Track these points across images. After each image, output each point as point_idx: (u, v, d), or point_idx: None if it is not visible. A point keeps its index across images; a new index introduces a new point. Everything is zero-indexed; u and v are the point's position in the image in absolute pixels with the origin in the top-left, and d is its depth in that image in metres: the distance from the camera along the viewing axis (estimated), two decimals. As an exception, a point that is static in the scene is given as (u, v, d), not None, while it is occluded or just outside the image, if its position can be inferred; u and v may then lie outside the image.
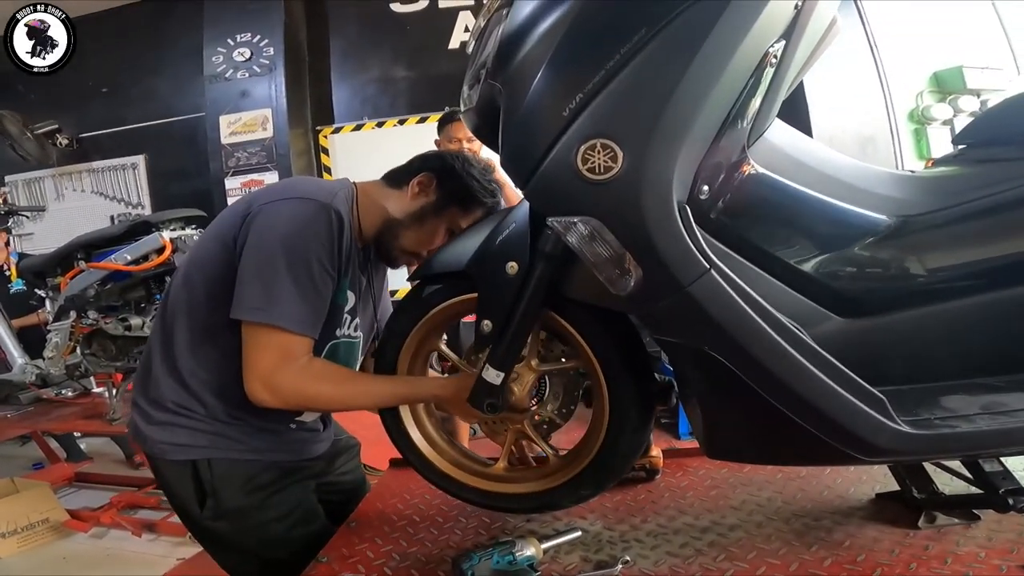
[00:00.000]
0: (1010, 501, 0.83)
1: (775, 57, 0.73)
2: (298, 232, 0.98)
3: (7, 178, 4.49)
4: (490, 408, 0.93)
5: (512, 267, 0.86)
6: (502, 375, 0.90)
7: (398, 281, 1.35)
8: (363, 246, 1.14)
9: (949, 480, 0.98)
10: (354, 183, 1.13)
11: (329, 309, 1.03)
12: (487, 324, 0.90)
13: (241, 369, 0.98)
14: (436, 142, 2.31)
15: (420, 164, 1.14)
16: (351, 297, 1.11)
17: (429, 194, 1.11)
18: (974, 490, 0.90)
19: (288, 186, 1.10)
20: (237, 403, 1.02)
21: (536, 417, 1.03)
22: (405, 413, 1.09)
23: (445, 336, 1.12)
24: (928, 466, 0.99)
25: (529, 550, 0.91)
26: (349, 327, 1.14)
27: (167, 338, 1.08)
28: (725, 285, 0.69)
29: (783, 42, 0.73)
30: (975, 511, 0.91)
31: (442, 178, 1.10)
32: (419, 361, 1.08)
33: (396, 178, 1.15)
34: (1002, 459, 0.89)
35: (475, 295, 0.93)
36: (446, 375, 1.11)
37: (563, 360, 1.00)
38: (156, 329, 1.12)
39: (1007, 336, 0.77)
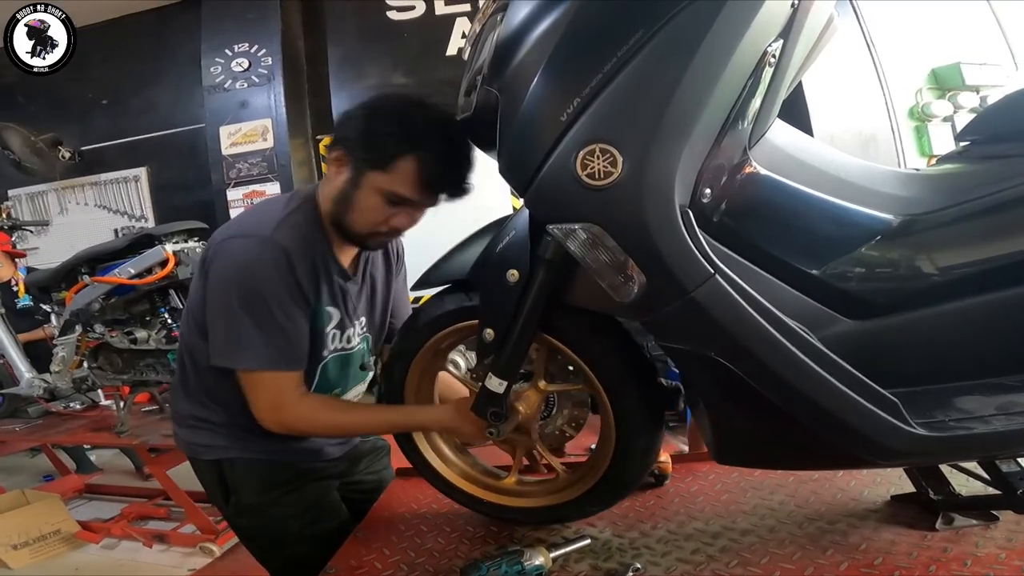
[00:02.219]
0: (1028, 501, 0.81)
1: (774, 56, 0.72)
2: (246, 274, 0.96)
3: (10, 192, 4.49)
4: (494, 417, 0.93)
5: (513, 275, 0.85)
6: (505, 383, 0.90)
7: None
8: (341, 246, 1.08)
9: (966, 481, 0.96)
10: (315, 186, 1.07)
11: (309, 336, 1.03)
12: (489, 333, 0.89)
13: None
14: None
15: (334, 137, 1.01)
16: (334, 314, 1.09)
17: (346, 169, 0.98)
18: (992, 491, 0.89)
19: (239, 220, 1.07)
20: (252, 417, 1.05)
21: (546, 431, 1.04)
22: None
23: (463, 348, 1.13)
24: (944, 467, 0.97)
25: (538, 559, 0.90)
26: (339, 341, 1.12)
27: (183, 367, 1.14)
28: (730, 289, 0.68)
29: (781, 41, 0.72)
30: (993, 512, 0.90)
31: (348, 147, 0.98)
32: (426, 380, 1.08)
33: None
34: (1019, 459, 0.87)
35: (477, 322, 0.92)
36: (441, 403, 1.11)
37: (570, 378, 1.00)
38: (179, 352, 1.18)
39: (1021, 335, 0.75)
